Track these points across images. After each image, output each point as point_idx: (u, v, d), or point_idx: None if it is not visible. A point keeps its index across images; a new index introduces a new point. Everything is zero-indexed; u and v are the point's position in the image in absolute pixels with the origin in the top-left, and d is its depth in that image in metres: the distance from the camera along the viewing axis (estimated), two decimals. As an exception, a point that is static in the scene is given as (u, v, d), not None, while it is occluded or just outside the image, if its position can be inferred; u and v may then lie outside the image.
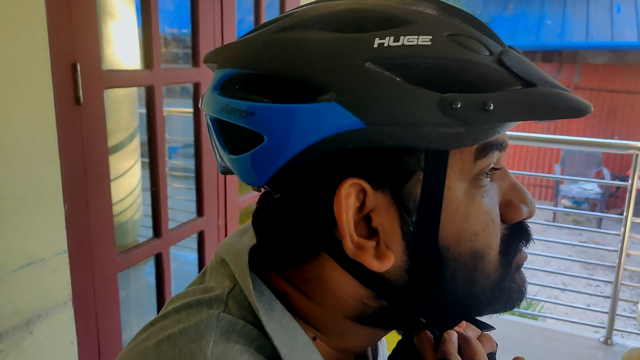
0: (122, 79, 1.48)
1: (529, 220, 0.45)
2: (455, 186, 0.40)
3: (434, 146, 0.37)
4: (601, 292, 4.07)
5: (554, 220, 7.09)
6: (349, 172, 0.39)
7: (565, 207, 7.29)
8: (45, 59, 1.11)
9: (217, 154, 0.45)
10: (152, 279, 1.69)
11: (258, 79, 0.39)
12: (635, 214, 2.55)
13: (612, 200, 7.36)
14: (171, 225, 1.65)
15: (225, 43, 1.76)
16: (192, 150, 1.80)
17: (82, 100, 1.21)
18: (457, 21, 0.40)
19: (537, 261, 5.31)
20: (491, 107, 0.36)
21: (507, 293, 0.44)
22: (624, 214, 2.54)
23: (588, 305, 3.66)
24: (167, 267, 1.63)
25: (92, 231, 1.28)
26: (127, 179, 2.72)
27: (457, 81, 0.37)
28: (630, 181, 2.52)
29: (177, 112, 3.12)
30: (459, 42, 0.38)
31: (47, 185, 1.14)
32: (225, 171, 0.46)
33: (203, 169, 1.76)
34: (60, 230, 1.18)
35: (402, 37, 0.37)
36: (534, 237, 0.46)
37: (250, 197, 2.06)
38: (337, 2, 0.41)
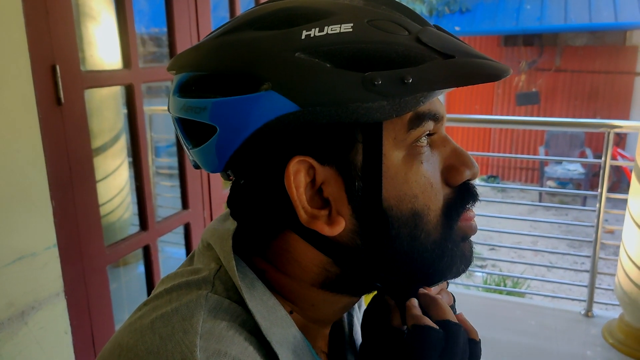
0: (101, 79, 1.53)
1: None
2: (392, 154, 0.45)
3: (362, 120, 0.42)
4: (586, 269, 4.16)
5: (540, 201, 7.21)
6: (295, 152, 0.44)
7: (550, 188, 7.40)
8: (26, 63, 1.15)
9: (186, 150, 0.51)
10: (143, 278, 1.74)
11: (208, 79, 0.45)
12: (621, 191, 2.61)
13: (596, 179, 7.47)
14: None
15: (201, 40, 1.81)
16: (177, 148, 1.85)
17: (63, 100, 1.26)
18: (381, 8, 0.45)
19: (524, 241, 5.41)
20: (410, 80, 0.41)
21: (450, 256, 0.48)
22: (599, 189, 2.61)
23: (574, 282, 3.75)
24: (156, 259, 1.68)
25: (80, 225, 1.34)
26: (115, 178, 2.76)
27: (378, 61, 0.42)
28: (603, 158, 2.59)
29: (160, 110, 3.17)
30: (378, 26, 0.43)
31: (34, 183, 1.19)
32: (196, 165, 0.51)
33: (187, 163, 1.81)
34: (48, 226, 1.23)
35: (326, 27, 0.42)
36: (480, 198, 0.50)
37: (235, 189, 2.12)
38: (272, 4, 0.47)
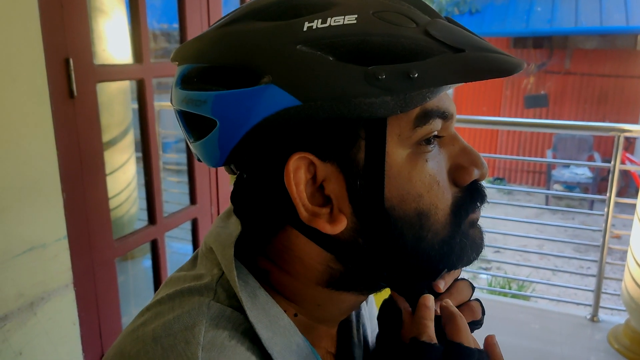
0: (113, 72, 1.54)
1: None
2: (395, 152, 0.43)
3: (365, 115, 0.40)
4: (592, 273, 4.14)
5: (546, 205, 7.17)
6: (295, 148, 0.42)
7: (557, 191, 7.36)
8: (40, 55, 1.16)
9: (189, 143, 0.50)
10: (150, 271, 1.75)
11: (209, 71, 0.44)
12: (629, 196, 2.59)
13: (604, 184, 7.43)
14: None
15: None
16: (185, 144, 1.86)
17: (75, 93, 1.27)
18: None
19: (530, 244, 5.39)
20: (415, 75, 0.39)
21: (460, 248, 0.46)
22: (607, 193, 2.60)
23: (580, 286, 3.74)
24: (163, 253, 1.69)
25: (89, 218, 1.35)
26: (123, 173, 2.77)
27: (382, 54, 0.40)
28: (612, 162, 2.57)
29: (168, 106, 3.19)
30: (384, 18, 0.41)
31: (46, 175, 1.20)
32: (200, 159, 0.49)
33: (195, 158, 1.82)
34: (59, 218, 1.24)
35: (329, 19, 0.41)
36: (489, 200, 0.48)
37: (243, 186, 2.12)
38: None
